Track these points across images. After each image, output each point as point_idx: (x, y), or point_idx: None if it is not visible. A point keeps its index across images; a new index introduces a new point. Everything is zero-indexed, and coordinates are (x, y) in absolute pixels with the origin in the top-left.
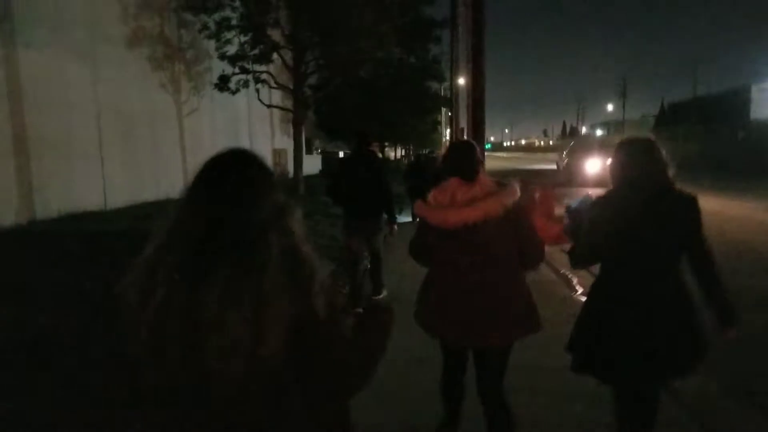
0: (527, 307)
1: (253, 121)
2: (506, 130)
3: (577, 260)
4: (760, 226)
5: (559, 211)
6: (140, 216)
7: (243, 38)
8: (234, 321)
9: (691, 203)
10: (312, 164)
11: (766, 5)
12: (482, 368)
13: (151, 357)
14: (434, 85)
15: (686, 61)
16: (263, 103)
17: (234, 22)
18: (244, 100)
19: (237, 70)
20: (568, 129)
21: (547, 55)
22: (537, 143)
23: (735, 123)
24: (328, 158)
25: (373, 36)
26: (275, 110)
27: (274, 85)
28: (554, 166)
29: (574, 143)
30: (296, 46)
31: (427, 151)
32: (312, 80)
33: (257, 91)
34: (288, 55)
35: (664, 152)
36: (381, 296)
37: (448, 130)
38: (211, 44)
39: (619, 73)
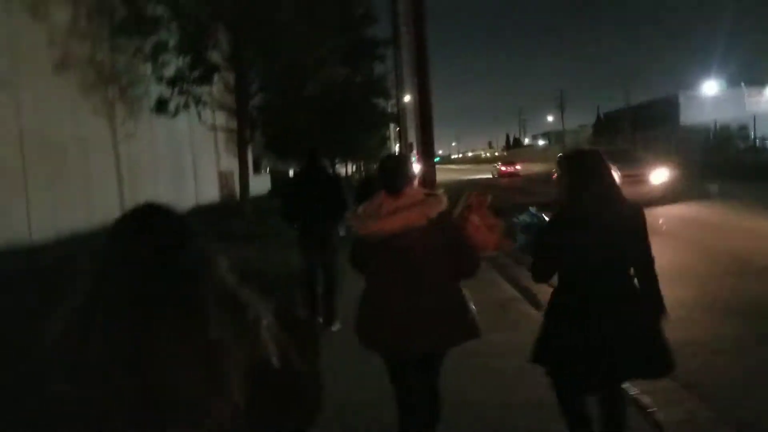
0: (462, 314)
1: (197, 144)
2: (453, 143)
3: (539, 275)
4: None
5: (494, 220)
6: (68, 251)
7: (182, 60)
8: (185, 380)
9: (639, 212)
10: (261, 184)
11: (689, 20)
12: (418, 376)
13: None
14: (381, 102)
15: (620, 71)
16: (205, 125)
17: (171, 44)
18: (185, 122)
19: (176, 92)
20: (511, 140)
21: (489, 68)
22: (483, 155)
23: (666, 128)
24: (277, 178)
25: (315, 55)
26: (220, 132)
27: (214, 107)
28: (489, 175)
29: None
30: (236, 67)
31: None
32: (257, 100)
33: (198, 113)
34: (229, 76)
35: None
36: (335, 329)
37: (398, 145)
38: (149, 67)
39: (557, 85)
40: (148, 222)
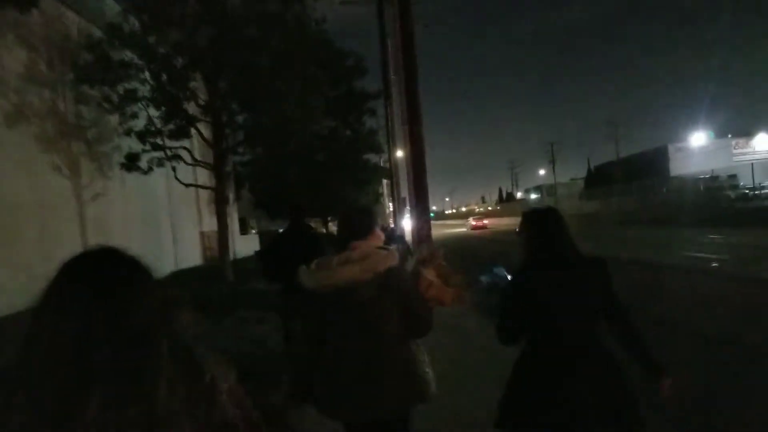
0: (412, 376)
1: (176, 204)
2: (447, 198)
3: (505, 337)
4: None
5: (450, 272)
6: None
7: (155, 112)
8: None
9: (603, 266)
10: (249, 245)
11: (677, 72)
12: None
13: None
14: (372, 157)
15: (609, 125)
16: (182, 183)
17: (142, 93)
18: (163, 180)
19: (148, 146)
20: (504, 194)
21: (480, 124)
22: (476, 209)
23: (656, 180)
24: (266, 237)
25: (302, 108)
26: (203, 190)
27: (191, 162)
28: (464, 229)
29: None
30: (214, 118)
31: None
32: (241, 156)
33: (173, 169)
34: (208, 129)
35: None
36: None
37: (391, 202)
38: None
39: (548, 139)
40: (93, 271)
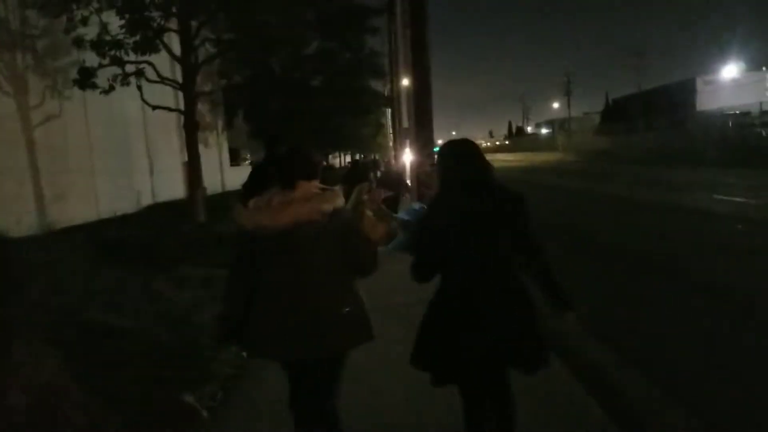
0: (357, 316)
1: (154, 131)
2: (453, 132)
3: (419, 274)
4: None
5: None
6: None
7: (112, 18)
8: None
9: (519, 200)
10: (239, 177)
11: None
12: (309, 384)
13: None
14: (374, 84)
15: (630, 55)
16: (149, 105)
17: None
18: (136, 104)
19: (107, 61)
20: (514, 128)
21: (489, 53)
22: (484, 144)
23: (681, 116)
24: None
25: (281, 16)
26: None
27: (155, 80)
28: None
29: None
30: (181, 27)
31: (363, 156)
32: (229, 79)
33: (139, 88)
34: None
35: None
36: None
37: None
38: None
39: (563, 69)
40: None
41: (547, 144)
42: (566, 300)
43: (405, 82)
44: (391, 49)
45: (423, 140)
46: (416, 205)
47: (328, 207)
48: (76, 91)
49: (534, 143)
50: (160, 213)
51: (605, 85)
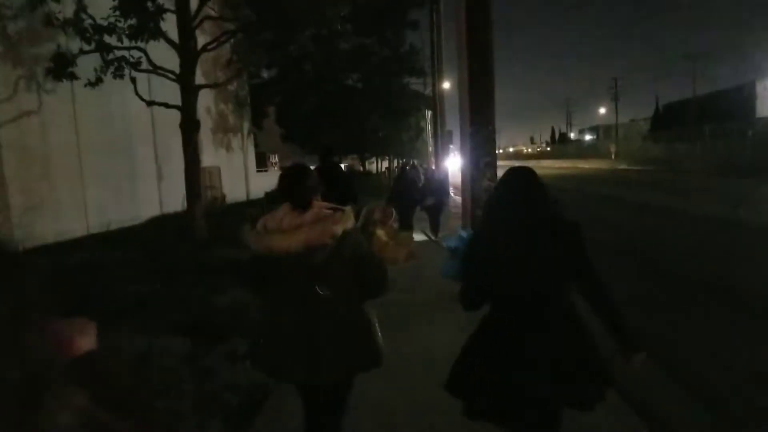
0: (367, 340)
1: (163, 132)
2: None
3: (467, 302)
4: None
5: (401, 234)
6: None
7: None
8: None
9: (575, 230)
10: (265, 183)
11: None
12: (318, 407)
13: None
14: (414, 84)
15: (684, 59)
16: (142, 99)
17: None
18: (138, 101)
19: (92, 46)
20: (557, 134)
21: (533, 56)
22: (525, 150)
23: (739, 122)
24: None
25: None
26: (205, 115)
27: (148, 69)
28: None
29: None
30: (180, 4)
31: (413, 162)
32: (272, 73)
33: (133, 80)
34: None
35: (541, 180)
36: None
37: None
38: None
39: (611, 74)
40: None
41: (593, 151)
42: (634, 339)
43: (447, 84)
44: (433, 43)
45: (479, 143)
46: (464, 232)
47: (340, 228)
48: (63, 85)
49: (579, 150)
50: (161, 227)
51: (652, 92)
